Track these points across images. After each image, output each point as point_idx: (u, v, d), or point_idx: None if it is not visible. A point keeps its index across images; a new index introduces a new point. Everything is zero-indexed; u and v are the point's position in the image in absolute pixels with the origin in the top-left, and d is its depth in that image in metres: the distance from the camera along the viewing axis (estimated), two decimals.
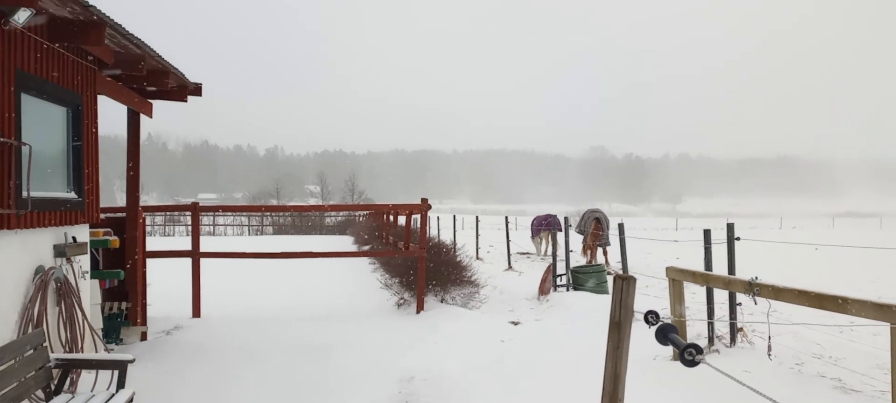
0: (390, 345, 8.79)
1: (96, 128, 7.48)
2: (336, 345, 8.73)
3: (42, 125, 6.34)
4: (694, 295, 10.78)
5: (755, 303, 6.21)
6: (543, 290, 13.06)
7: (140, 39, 7.02)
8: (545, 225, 22.80)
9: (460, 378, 7.13)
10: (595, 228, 18.78)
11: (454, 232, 23.07)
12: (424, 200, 11.65)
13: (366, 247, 23.03)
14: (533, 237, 24.28)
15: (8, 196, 5.57)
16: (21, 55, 5.78)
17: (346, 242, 28.80)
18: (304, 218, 42.55)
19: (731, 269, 7.81)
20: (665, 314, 7.10)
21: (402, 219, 19.44)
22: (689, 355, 2.76)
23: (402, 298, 11.94)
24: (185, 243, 20.38)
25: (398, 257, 13.06)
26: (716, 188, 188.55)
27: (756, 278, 6.00)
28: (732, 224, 8.09)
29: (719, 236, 8.42)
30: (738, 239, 7.95)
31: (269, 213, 44.17)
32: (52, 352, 5.67)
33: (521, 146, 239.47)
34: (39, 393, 5.55)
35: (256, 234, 42.44)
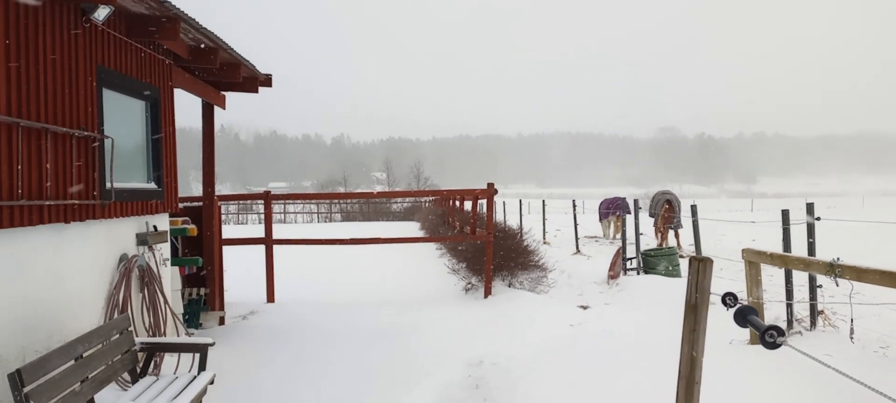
0: (459, 330, 8.83)
1: (173, 120, 7.74)
2: (405, 330, 8.83)
3: (122, 118, 6.59)
4: (771, 277, 10.46)
5: (837, 285, 5.98)
6: (613, 274, 12.89)
7: (213, 33, 7.22)
8: (613, 209, 22.47)
9: (529, 362, 7.11)
10: (666, 211, 18.38)
11: (520, 216, 22.98)
12: (490, 185, 11.63)
13: (432, 233, 23.17)
14: (601, 220, 23.97)
15: (93, 187, 5.83)
16: (101, 51, 6.02)
17: (412, 228, 29.04)
18: (371, 205, 43.10)
19: (811, 250, 7.53)
20: (741, 297, 6.90)
21: (468, 205, 19.47)
22: (770, 337, 2.66)
23: (469, 283, 11.98)
24: (258, 231, 20.93)
25: (465, 242, 13.09)
26: (793, 167, 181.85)
27: (837, 259, 5.76)
28: (812, 203, 7.80)
29: (797, 217, 8.12)
30: (818, 218, 7.66)
31: (337, 201, 44.92)
32: (137, 336, 5.92)
33: (588, 128, 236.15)
34: (126, 376, 5.81)
35: (325, 221, 43.24)
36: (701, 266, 3.17)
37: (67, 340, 4.88)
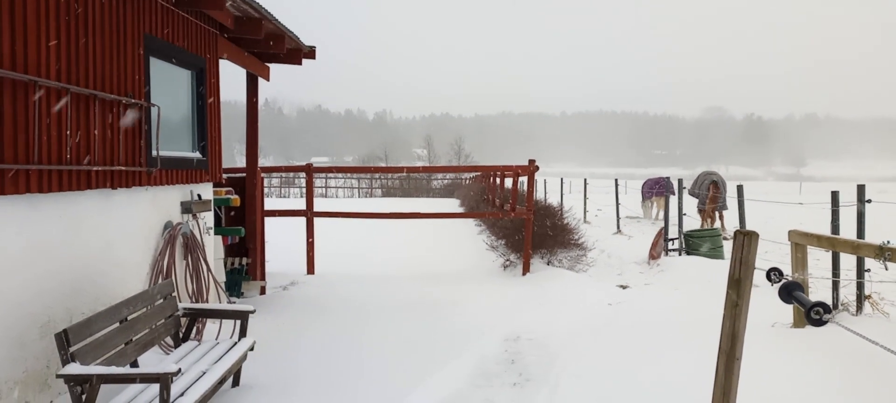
0: (496, 305, 8.83)
1: (218, 90, 7.83)
2: (443, 304, 8.86)
3: (169, 87, 6.70)
4: (818, 261, 10.20)
5: (886, 269, 5.80)
6: (654, 254, 12.72)
7: (258, 3, 7.26)
8: (656, 189, 22.14)
9: (567, 339, 7.07)
10: (713, 192, 18.03)
11: (561, 195, 22.79)
12: (531, 161, 11.54)
13: (472, 210, 23.13)
14: (643, 201, 23.65)
15: (139, 155, 5.94)
16: (149, 20, 6.11)
17: (452, 204, 29.06)
18: (411, 182, 43.23)
19: (861, 234, 7.32)
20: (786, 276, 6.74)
21: (509, 182, 19.38)
22: (816, 313, 2.59)
23: (508, 260, 11.95)
24: (299, 204, 21.17)
25: (505, 219, 13.05)
26: (845, 150, 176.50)
27: (888, 242, 5.59)
28: (863, 185, 7.57)
29: (848, 200, 7.90)
30: (869, 201, 7.43)
31: (378, 175, 45.14)
32: (180, 302, 6.04)
33: (633, 107, 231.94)
34: (169, 340, 5.96)
35: (366, 196, 43.54)
36: (746, 239, 3.09)
37: (113, 303, 5.01)
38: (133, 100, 5.77)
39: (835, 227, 7.79)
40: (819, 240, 6.55)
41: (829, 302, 7.34)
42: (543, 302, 9.02)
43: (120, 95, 5.60)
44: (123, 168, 5.65)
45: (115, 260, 5.71)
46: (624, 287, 10.26)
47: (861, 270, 7.19)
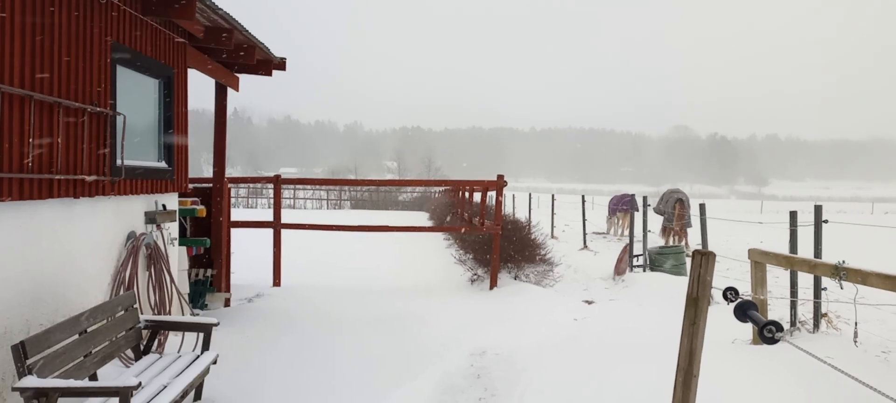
0: (463, 320, 8.85)
1: (186, 100, 7.77)
2: (410, 318, 8.86)
3: (135, 96, 6.63)
4: (777, 279, 10.42)
5: (841, 288, 5.95)
6: (619, 270, 12.87)
7: (228, 14, 7.23)
8: (622, 206, 22.43)
9: (532, 354, 7.12)
10: (680, 210, 18.35)
11: (529, 210, 22.95)
12: (500, 177, 11.62)
13: (441, 224, 23.18)
14: (609, 217, 23.93)
15: (103, 164, 5.86)
16: (116, 27, 6.05)
17: (421, 218, 29.07)
18: (380, 194, 43.17)
19: (818, 253, 7.51)
20: (745, 294, 6.87)
21: (477, 196, 19.47)
22: (768, 332, 2.67)
23: (475, 274, 11.99)
24: (267, 215, 20.98)
25: (473, 233, 13.10)
26: (805, 171, 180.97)
27: (843, 262, 5.74)
28: (820, 206, 7.77)
29: (806, 220, 8.10)
30: (826, 221, 7.63)
31: (347, 187, 44.99)
32: (142, 314, 5.96)
33: (600, 124, 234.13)
34: (129, 352, 5.87)
35: (335, 208, 43.35)
36: (703, 259, 3.16)
37: (73, 314, 4.92)
38: (98, 109, 5.70)
39: (793, 246, 7.97)
40: (777, 259, 6.70)
41: (788, 320, 7.50)
42: (510, 316, 9.06)
43: (85, 103, 5.53)
44: (87, 177, 5.57)
45: (76, 270, 5.62)
46: (589, 302, 10.36)
47: (818, 289, 7.37)
